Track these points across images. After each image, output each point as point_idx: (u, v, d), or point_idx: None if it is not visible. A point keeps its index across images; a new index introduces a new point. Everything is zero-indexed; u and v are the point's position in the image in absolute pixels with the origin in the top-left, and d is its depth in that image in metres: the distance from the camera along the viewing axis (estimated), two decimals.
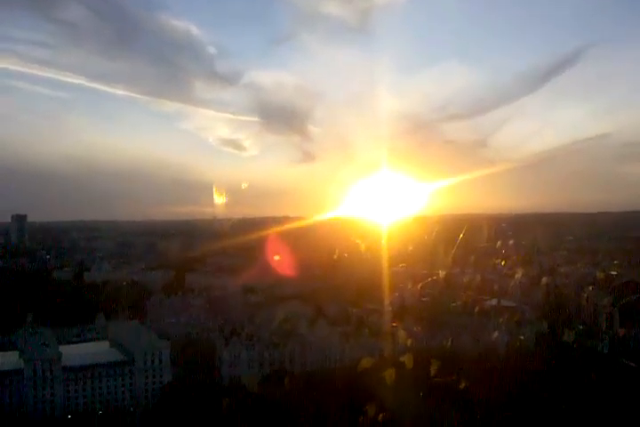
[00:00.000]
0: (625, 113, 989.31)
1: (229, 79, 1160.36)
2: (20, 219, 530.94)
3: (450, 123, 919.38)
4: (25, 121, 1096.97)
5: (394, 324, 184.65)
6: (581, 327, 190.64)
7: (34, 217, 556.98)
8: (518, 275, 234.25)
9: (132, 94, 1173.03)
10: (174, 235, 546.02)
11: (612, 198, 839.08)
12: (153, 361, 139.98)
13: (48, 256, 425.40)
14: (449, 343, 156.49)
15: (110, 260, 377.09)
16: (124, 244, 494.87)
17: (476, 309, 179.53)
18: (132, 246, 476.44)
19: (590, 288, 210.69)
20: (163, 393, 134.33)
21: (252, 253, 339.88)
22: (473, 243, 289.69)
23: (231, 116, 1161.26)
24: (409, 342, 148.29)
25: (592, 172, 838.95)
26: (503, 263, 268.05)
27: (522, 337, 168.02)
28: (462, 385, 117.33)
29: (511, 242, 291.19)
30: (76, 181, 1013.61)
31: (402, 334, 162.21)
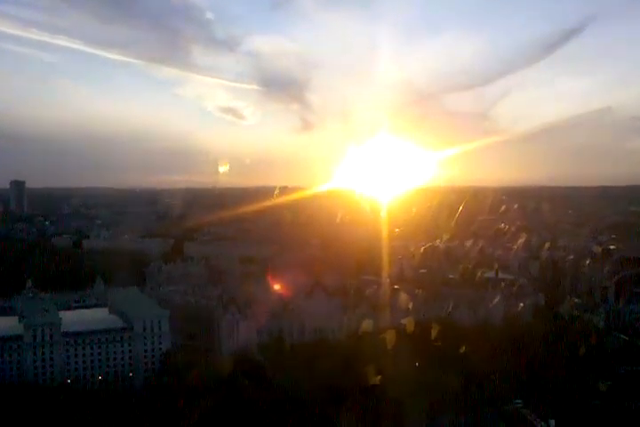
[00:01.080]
0: (630, 86, 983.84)
1: (228, 45, 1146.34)
2: (18, 185, 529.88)
3: (452, 93, 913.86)
4: (18, 85, 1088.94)
5: (395, 286, 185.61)
6: (577, 301, 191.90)
7: (32, 183, 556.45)
8: (517, 248, 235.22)
9: (129, 59, 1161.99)
10: (173, 203, 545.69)
11: (616, 172, 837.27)
12: (152, 328, 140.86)
13: (47, 223, 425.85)
14: (447, 313, 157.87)
15: (109, 227, 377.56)
16: (123, 212, 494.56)
17: (474, 280, 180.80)
18: (130, 214, 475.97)
19: (588, 262, 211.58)
20: (163, 360, 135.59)
21: (251, 223, 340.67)
22: (473, 215, 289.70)
23: (230, 84, 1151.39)
24: (410, 305, 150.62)
25: (595, 145, 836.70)
26: (502, 236, 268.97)
27: (518, 309, 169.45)
28: (461, 351, 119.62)
29: (511, 215, 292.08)
30: (74, 148, 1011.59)
31: (403, 297, 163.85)
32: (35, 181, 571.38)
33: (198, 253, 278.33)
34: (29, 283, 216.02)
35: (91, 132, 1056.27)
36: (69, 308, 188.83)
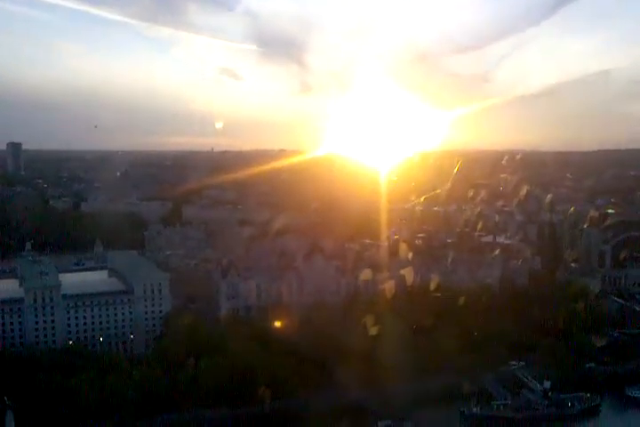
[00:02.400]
0: (631, 49, 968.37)
1: (227, 4, 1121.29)
2: (14, 147, 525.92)
3: (452, 55, 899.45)
4: (12, 45, 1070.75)
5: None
6: (574, 265, 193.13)
7: (29, 146, 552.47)
8: (515, 212, 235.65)
9: (124, 18, 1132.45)
10: (170, 166, 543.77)
11: (614, 136, 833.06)
12: (152, 291, 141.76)
13: (45, 186, 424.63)
14: (445, 277, 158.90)
15: (107, 190, 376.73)
16: (121, 174, 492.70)
17: (472, 245, 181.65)
18: (128, 177, 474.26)
19: (585, 226, 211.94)
20: (163, 323, 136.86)
21: (249, 186, 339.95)
22: (471, 179, 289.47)
23: (227, 44, 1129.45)
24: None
25: (594, 109, 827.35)
26: (500, 200, 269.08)
27: (515, 273, 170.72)
28: (457, 314, 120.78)
29: (510, 179, 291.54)
30: (70, 110, 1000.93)
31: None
32: (31, 143, 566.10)
33: (197, 216, 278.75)
34: (28, 246, 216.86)
35: (86, 94, 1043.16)
36: (69, 270, 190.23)
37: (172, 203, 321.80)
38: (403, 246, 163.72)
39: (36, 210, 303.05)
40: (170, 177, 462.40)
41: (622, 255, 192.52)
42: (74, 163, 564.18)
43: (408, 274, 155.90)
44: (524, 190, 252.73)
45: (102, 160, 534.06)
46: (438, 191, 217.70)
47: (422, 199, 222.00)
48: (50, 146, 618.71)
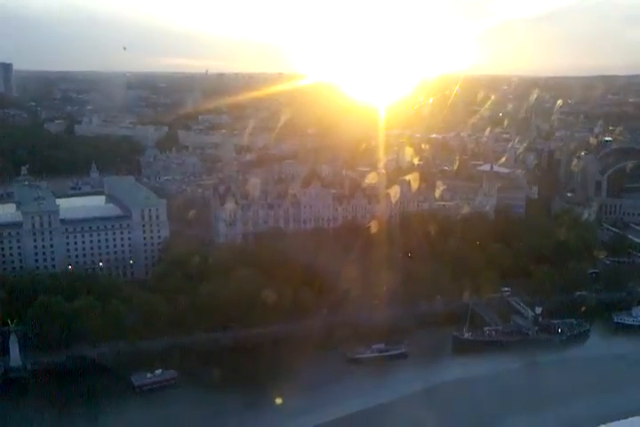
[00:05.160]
0: None
1: None
2: (5, 68, 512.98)
3: None
4: None
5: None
6: (570, 194, 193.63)
7: (19, 66, 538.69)
8: (514, 140, 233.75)
9: None
10: (164, 89, 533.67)
11: (615, 62, 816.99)
12: (150, 217, 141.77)
13: (38, 108, 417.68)
14: (441, 205, 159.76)
15: (101, 113, 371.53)
16: (114, 97, 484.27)
17: (470, 173, 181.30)
18: (121, 100, 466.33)
19: (583, 154, 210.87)
20: (162, 248, 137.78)
21: (246, 111, 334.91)
22: (470, 105, 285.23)
23: None
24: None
25: (596, 33, 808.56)
26: (499, 127, 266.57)
27: (512, 202, 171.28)
28: (452, 240, 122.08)
29: (509, 105, 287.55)
30: (62, 28, 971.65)
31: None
32: (22, 64, 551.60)
33: (193, 141, 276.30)
34: (24, 170, 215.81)
35: (77, 12, 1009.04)
36: (66, 195, 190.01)
37: (168, 127, 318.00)
38: (399, 174, 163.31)
39: (30, 133, 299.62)
40: (164, 100, 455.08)
41: (619, 185, 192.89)
42: (66, 84, 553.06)
43: (404, 201, 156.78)
44: (524, 117, 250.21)
45: (94, 82, 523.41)
46: (437, 118, 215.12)
47: (422, 126, 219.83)
48: (42, 67, 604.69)
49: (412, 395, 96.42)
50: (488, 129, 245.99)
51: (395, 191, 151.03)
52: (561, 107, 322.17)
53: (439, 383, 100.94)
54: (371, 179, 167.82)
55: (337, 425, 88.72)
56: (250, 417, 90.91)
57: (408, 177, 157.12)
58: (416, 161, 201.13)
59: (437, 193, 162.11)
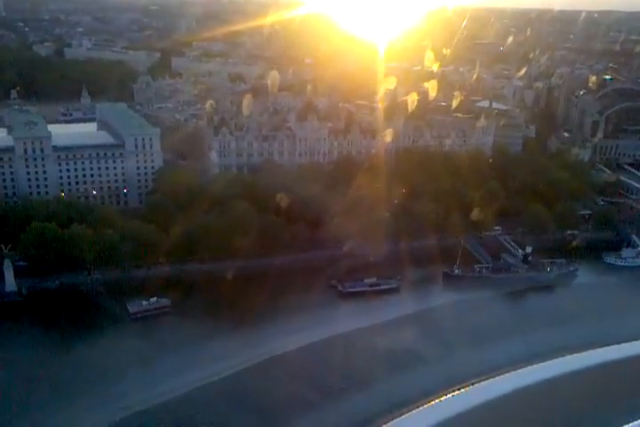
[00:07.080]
0: None
1: None
2: None
3: None
4: None
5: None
6: (567, 135, 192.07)
7: None
8: (514, 76, 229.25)
9: None
10: (156, 11, 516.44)
11: None
12: (144, 146, 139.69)
13: (27, 29, 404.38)
14: (437, 141, 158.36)
15: (91, 36, 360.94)
16: (105, 19, 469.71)
17: (467, 109, 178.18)
18: (112, 22, 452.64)
19: (582, 93, 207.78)
20: (155, 178, 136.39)
21: (241, 38, 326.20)
22: (471, 39, 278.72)
23: None
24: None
25: None
26: (500, 63, 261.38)
27: (508, 140, 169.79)
28: (447, 178, 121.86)
29: (511, 39, 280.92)
30: None
31: (396, 108, 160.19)
32: None
33: (187, 69, 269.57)
34: (14, 93, 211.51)
35: None
36: (57, 121, 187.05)
37: (161, 53, 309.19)
38: (396, 108, 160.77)
39: (18, 55, 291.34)
40: (157, 24, 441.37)
41: (616, 126, 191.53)
42: (54, 4, 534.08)
43: (400, 136, 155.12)
44: (525, 52, 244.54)
45: (84, 2, 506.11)
46: (436, 51, 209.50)
47: (420, 59, 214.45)
48: None
49: (400, 318, 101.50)
50: (489, 64, 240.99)
51: (390, 127, 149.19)
52: (564, 41, 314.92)
53: (426, 308, 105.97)
54: (367, 113, 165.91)
55: (327, 343, 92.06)
56: (236, 340, 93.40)
57: (404, 112, 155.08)
58: (414, 96, 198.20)
59: (434, 129, 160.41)
